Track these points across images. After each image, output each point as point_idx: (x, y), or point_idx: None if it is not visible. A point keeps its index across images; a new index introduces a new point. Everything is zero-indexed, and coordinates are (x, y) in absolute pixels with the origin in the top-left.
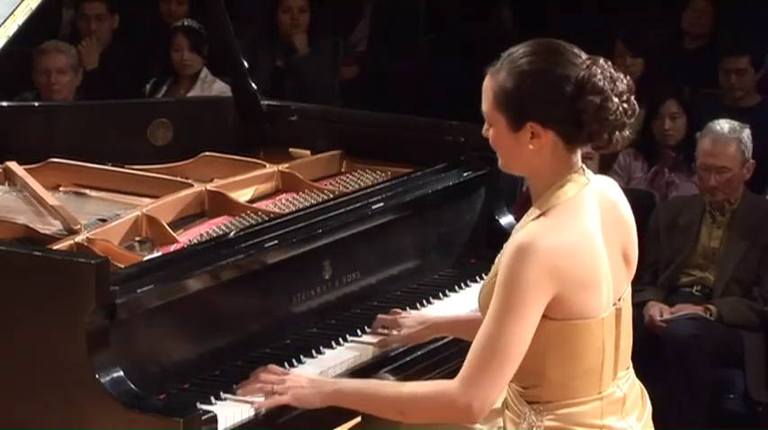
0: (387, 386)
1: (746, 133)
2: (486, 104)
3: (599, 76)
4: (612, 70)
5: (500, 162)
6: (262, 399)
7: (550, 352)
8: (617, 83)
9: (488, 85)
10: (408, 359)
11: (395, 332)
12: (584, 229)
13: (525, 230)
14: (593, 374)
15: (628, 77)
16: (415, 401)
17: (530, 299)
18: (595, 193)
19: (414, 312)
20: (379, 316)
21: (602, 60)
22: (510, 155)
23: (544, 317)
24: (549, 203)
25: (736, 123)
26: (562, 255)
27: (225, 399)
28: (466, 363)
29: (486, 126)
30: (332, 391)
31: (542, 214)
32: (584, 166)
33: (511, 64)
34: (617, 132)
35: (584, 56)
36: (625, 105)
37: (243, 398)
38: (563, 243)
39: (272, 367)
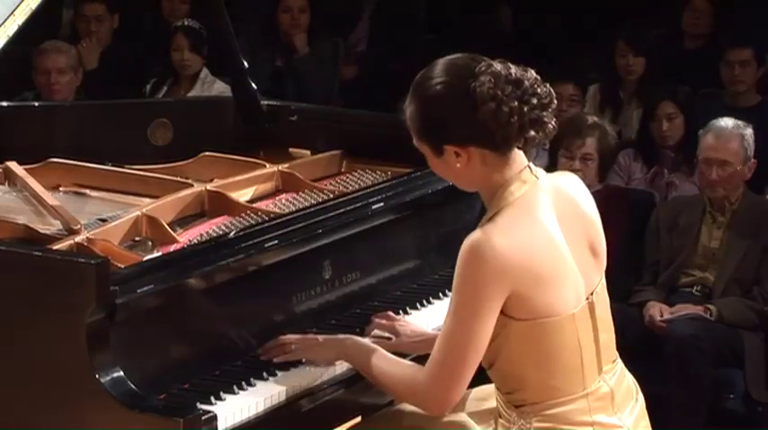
0: (383, 359)
1: (749, 132)
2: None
3: (487, 84)
4: (512, 71)
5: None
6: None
7: (524, 354)
8: (520, 80)
9: (407, 117)
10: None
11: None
12: (537, 226)
13: (478, 230)
14: (575, 371)
15: (531, 71)
16: (392, 382)
17: (483, 296)
18: (549, 191)
19: (410, 319)
20: (374, 318)
21: (496, 64)
22: (449, 177)
23: (510, 318)
24: (499, 205)
25: (739, 121)
26: (515, 251)
27: (225, 399)
28: (429, 359)
29: None
30: (346, 342)
31: (494, 215)
32: (530, 165)
33: (414, 92)
34: (531, 131)
35: (481, 64)
36: (533, 100)
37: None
38: (516, 240)
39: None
